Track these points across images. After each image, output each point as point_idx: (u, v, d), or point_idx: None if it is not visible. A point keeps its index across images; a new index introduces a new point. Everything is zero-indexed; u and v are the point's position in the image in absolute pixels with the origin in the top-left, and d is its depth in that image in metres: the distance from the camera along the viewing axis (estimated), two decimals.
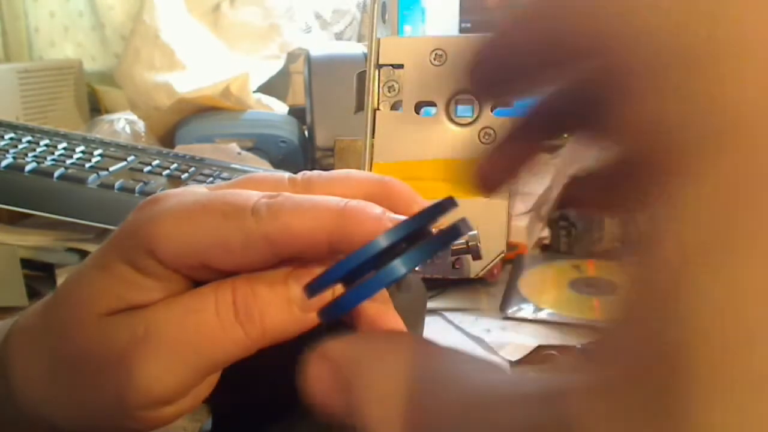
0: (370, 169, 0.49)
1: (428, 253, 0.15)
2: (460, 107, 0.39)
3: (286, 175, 0.25)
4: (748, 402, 0.08)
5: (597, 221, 0.62)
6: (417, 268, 0.15)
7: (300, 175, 0.25)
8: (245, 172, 0.68)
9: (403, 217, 0.22)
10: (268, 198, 0.22)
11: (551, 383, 0.10)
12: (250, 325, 0.22)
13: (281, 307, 0.22)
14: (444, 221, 0.17)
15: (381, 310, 0.23)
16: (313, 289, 0.16)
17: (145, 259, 0.22)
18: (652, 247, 0.09)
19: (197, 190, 0.24)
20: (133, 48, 1.10)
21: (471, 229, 0.16)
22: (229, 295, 0.22)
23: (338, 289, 0.16)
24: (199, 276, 0.23)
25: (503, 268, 0.60)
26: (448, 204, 0.16)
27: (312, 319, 0.22)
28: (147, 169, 0.64)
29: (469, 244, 0.23)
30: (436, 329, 0.51)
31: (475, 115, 0.39)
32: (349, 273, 0.15)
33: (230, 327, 0.22)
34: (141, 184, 0.60)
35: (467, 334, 0.50)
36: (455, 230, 0.16)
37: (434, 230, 0.16)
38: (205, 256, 0.22)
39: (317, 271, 0.21)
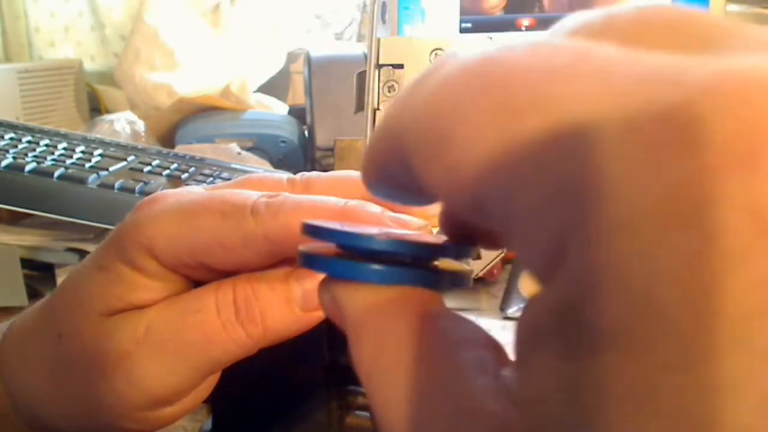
0: None
1: (424, 284, 0.15)
2: None
3: (285, 175, 0.25)
4: None
5: None
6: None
7: (299, 175, 0.25)
8: (245, 172, 0.68)
9: (405, 218, 0.22)
10: (268, 198, 0.22)
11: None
12: (251, 325, 0.22)
13: (282, 306, 0.22)
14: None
15: None
16: (309, 229, 0.15)
17: (144, 258, 0.22)
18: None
19: (196, 190, 0.24)
20: (133, 48, 1.10)
21: (471, 281, 0.16)
22: (230, 295, 0.22)
23: (332, 249, 0.15)
24: (198, 276, 0.23)
25: (503, 268, 0.60)
26: (474, 254, 0.16)
27: (312, 319, 0.23)
28: (147, 169, 0.64)
29: None
30: None
31: None
32: (351, 246, 0.15)
33: (231, 327, 0.22)
34: (141, 184, 0.60)
35: None
36: (460, 280, 0.15)
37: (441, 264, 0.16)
38: (204, 255, 0.22)
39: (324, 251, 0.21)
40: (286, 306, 0.22)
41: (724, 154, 0.08)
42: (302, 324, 0.22)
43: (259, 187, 0.24)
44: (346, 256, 0.15)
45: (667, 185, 0.08)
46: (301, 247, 0.16)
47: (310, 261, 0.15)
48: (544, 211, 0.09)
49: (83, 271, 0.24)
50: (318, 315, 0.22)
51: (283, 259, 0.23)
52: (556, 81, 0.10)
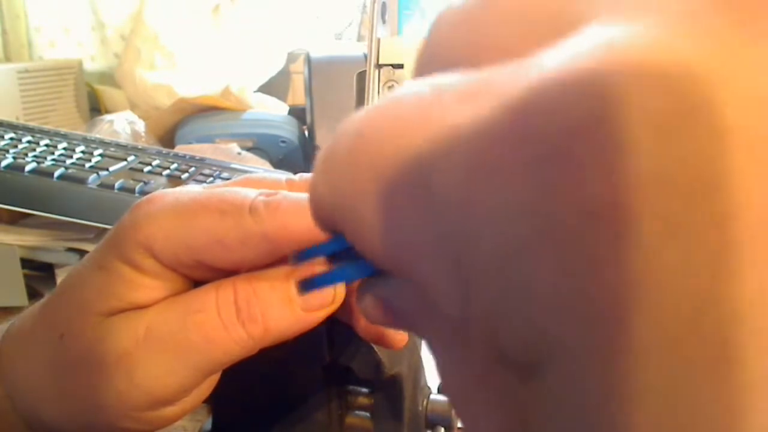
0: None
1: None
2: None
3: (285, 175, 0.25)
4: None
5: None
6: None
7: (299, 176, 0.25)
8: (245, 172, 0.68)
9: None
10: (266, 196, 0.22)
11: None
12: (252, 325, 0.22)
13: (283, 306, 0.22)
14: None
15: None
16: (299, 258, 0.15)
17: (143, 257, 0.22)
18: None
19: (195, 189, 0.24)
20: (133, 48, 1.10)
21: None
22: (231, 295, 0.22)
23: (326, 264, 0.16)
24: (198, 275, 0.23)
25: None
26: None
27: (313, 318, 0.22)
28: (147, 169, 0.64)
29: None
30: None
31: None
32: (340, 253, 0.15)
33: (232, 327, 0.22)
34: (141, 184, 0.60)
35: None
36: None
37: None
38: (203, 253, 0.22)
39: (318, 269, 0.21)
40: (287, 305, 0.22)
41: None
42: (303, 324, 0.22)
43: (258, 186, 0.24)
44: (340, 264, 0.15)
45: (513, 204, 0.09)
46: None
47: (307, 285, 0.15)
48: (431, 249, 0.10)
49: (83, 270, 0.24)
50: (319, 315, 0.22)
51: (282, 258, 0.23)
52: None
